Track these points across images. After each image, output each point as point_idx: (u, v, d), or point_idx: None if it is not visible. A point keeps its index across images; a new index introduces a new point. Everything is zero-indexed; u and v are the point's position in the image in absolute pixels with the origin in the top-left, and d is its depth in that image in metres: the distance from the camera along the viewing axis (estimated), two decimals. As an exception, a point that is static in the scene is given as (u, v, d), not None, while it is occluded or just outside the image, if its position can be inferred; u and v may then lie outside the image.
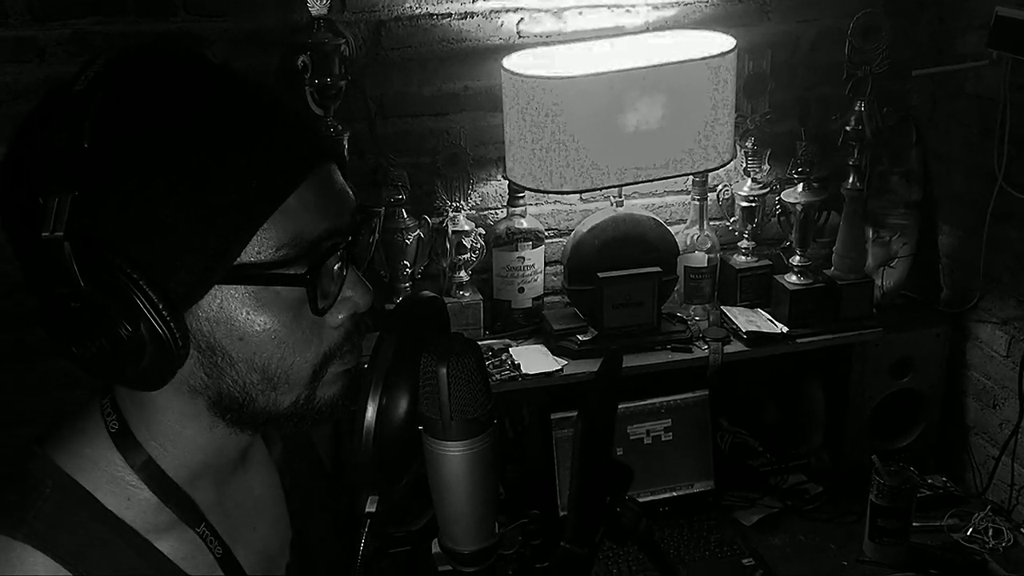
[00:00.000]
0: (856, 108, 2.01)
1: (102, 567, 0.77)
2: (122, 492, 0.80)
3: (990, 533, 2.03)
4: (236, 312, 0.75)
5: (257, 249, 0.74)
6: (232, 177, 0.72)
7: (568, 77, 1.76)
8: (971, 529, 2.04)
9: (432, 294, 0.84)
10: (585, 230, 2.03)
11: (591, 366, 1.97)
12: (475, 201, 2.06)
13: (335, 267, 0.78)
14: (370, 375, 0.76)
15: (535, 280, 2.06)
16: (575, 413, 2.05)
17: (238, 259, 0.73)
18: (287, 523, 0.97)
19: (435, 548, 1.96)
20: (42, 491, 0.78)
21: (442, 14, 1.93)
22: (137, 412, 0.81)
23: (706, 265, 2.12)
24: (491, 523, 0.80)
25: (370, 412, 0.76)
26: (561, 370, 1.96)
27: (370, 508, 0.77)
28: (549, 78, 1.77)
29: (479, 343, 1.38)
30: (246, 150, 0.73)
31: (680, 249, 2.10)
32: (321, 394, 0.81)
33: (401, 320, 0.79)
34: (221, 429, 0.82)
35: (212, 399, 0.79)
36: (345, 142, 1.82)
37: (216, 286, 0.74)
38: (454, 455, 0.75)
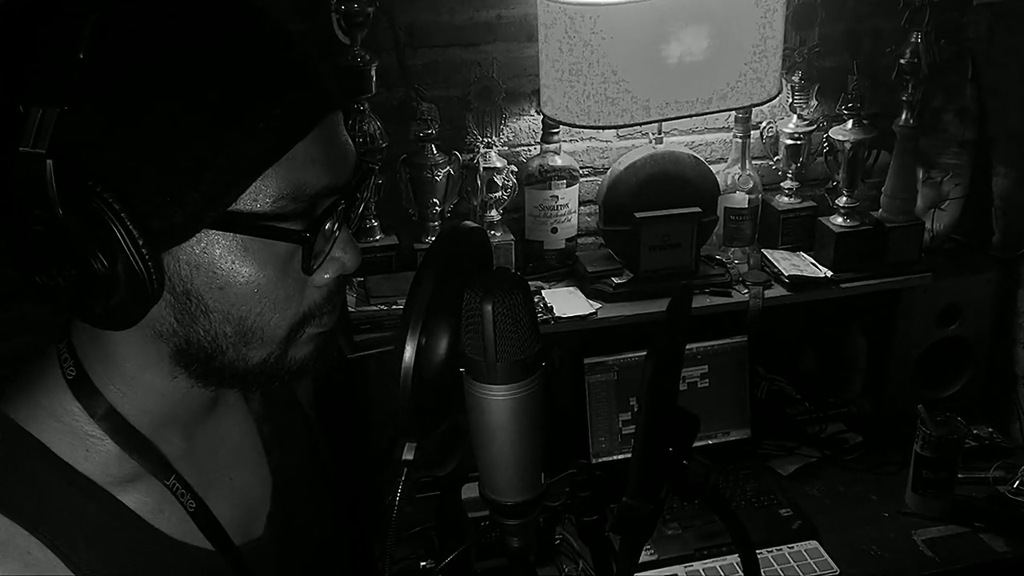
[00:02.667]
0: (912, 40, 1.90)
1: (60, 523, 0.72)
2: (80, 443, 0.75)
3: (1037, 486, 1.97)
4: (220, 260, 0.69)
5: (254, 197, 0.68)
6: (239, 115, 0.66)
7: (609, 4, 1.67)
8: (1018, 481, 1.97)
9: (474, 224, 0.77)
10: (622, 168, 1.95)
11: (626, 309, 1.90)
12: (507, 137, 1.98)
13: (328, 225, 0.72)
14: (408, 312, 0.70)
15: (569, 220, 1.99)
16: (608, 358, 2.00)
17: (233, 205, 0.67)
18: (267, 473, 0.91)
19: (464, 494, 1.92)
20: None
21: (475, -63, 1.83)
22: (96, 356, 0.76)
23: (747, 206, 2.03)
24: (537, 473, 0.74)
25: (408, 353, 0.70)
26: (595, 313, 1.89)
27: (407, 456, 0.72)
28: (588, 4, 1.67)
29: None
30: (257, 88, 0.67)
31: (720, 189, 2.01)
32: (293, 354, 0.76)
33: (442, 252, 0.72)
34: (183, 380, 0.76)
35: (178, 347, 0.73)
36: (372, 73, 1.74)
37: (204, 230, 0.68)
38: (499, 399, 0.70)
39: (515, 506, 0.74)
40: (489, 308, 0.66)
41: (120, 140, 0.64)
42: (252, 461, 0.90)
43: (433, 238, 1.86)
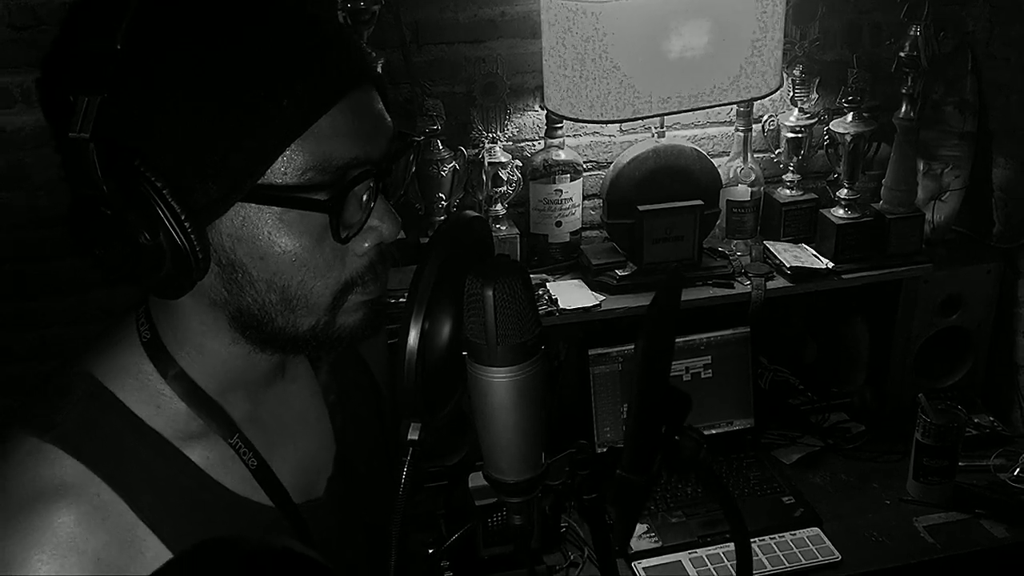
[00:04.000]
0: (911, 33, 1.93)
1: (129, 471, 0.77)
2: (152, 400, 0.80)
3: (1038, 474, 1.99)
4: (259, 231, 0.73)
5: (283, 170, 0.72)
6: (263, 93, 0.70)
7: (610, 0, 1.69)
8: (1018, 469, 2.00)
9: (475, 214, 0.80)
10: (625, 162, 1.98)
11: (630, 301, 1.93)
12: (512, 132, 2.00)
13: (363, 196, 0.76)
14: (412, 298, 0.73)
15: (573, 213, 2.02)
16: (612, 349, 2.03)
17: (263, 178, 0.71)
18: (331, 438, 0.96)
19: (471, 483, 1.95)
20: (72, 397, 0.79)
21: (478, -64, 1.86)
22: (168, 323, 0.81)
23: (749, 199, 2.05)
24: (537, 453, 0.77)
25: (412, 337, 0.72)
26: (599, 305, 1.92)
27: (412, 436, 0.74)
28: (591, 2, 1.70)
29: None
30: (281, 67, 0.71)
31: (723, 182, 2.04)
32: (341, 321, 0.80)
33: (444, 241, 0.75)
34: (243, 345, 0.81)
35: (232, 314, 0.78)
36: (379, 70, 1.77)
37: (240, 203, 0.72)
38: (500, 381, 0.72)
39: (517, 484, 0.77)
40: (490, 293, 0.69)
41: (157, 123, 0.69)
42: (316, 427, 0.94)
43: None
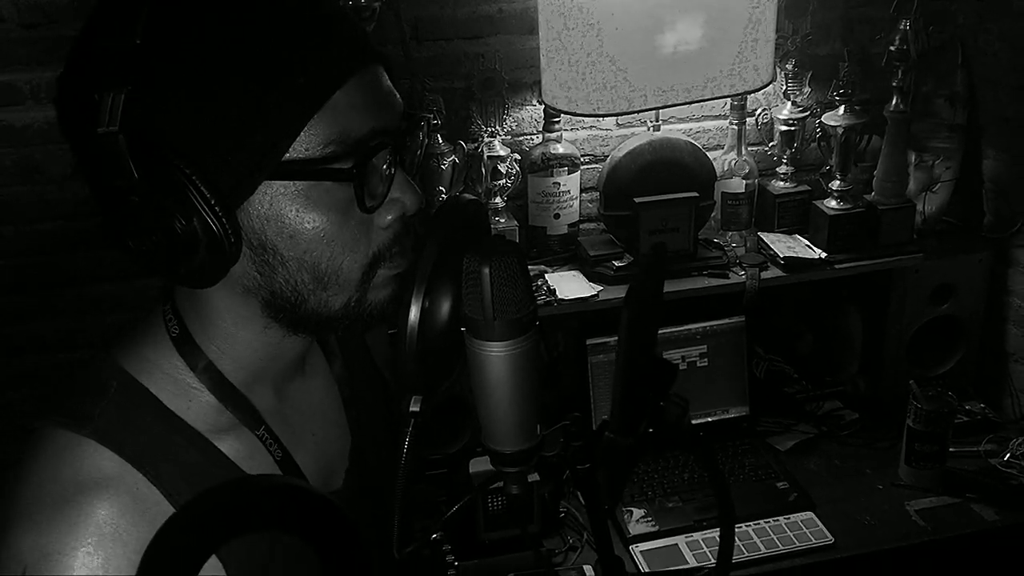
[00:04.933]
0: (901, 27, 1.96)
1: (164, 463, 0.80)
2: (183, 394, 0.83)
3: (1028, 459, 2.03)
4: (286, 209, 0.76)
5: (305, 146, 0.75)
6: (280, 73, 0.73)
7: (605, -4, 1.73)
8: (1008, 454, 2.04)
9: (472, 197, 0.84)
10: (621, 155, 2.02)
11: (628, 288, 1.96)
12: (510, 126, 2.04)
13: (383, 168, 0.79)
14: (413, 277, 0.76)
15: (571, 206, 2.06)
16: (610, 339, 2.06)
17: (286, 155, 0.74)
18: (346, 431, 1.00)
19: (471, 469, 1.98)
20: (107, 391, 0.81)
21: (477, -66, 1.90)
22: (196, 317, 0.84)
23: (744, 191, 2.09)
24: (533, 424, 0.81)
25: (413, 313, 0.76)
26: (597, 296, 1.96)
27: (414, 408, 0.78)
28: (586, -3, 1.73)
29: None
30: (293, 47, 0.74)
31: (718, 174, 2.08)
32: (372, 297, 0.83)
33: (443, 223, 0.79)
34: (275, 331, 0.84)
35: (265, 299, 0.81)
36: (380, 65, 1.80)
37: (266, 183, 0.75)
38: (497, 355, 0.76)
39: (513, 455, 0.80)
40: (487, 271, 0.72)
41: (181, 111, 0.72)
42: (333, 420, 0.98)
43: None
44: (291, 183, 0.76)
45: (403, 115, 0.82)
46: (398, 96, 0.82)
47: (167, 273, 0.77)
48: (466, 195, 0.85)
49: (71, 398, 0.82)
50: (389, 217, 0.81)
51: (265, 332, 0.84)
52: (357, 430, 1.00)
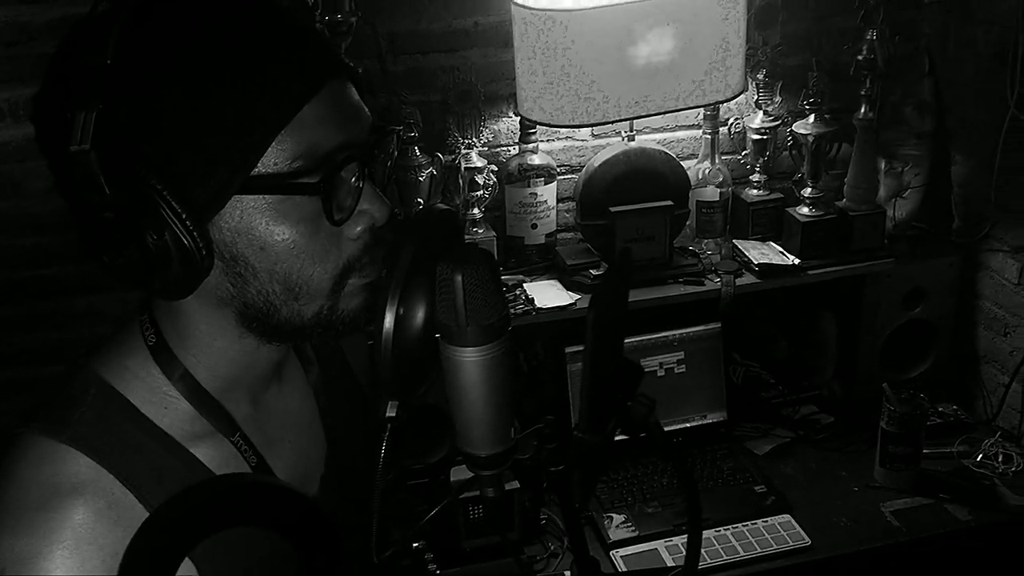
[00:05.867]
0: (867, 37, 2.01)
1: (140, 469, 0.82)
2: (160, 401, 0.85)
3: (1000, 459, 2.06)
4: (257, 222, 0.78)
5: (274, 160, 0.77)
6: (247, 90, 0.75)
7: (578, 9, 1.76)
8: (981, 455, 2.07)
9: (446, 207, 0.86)
10: (597, 165, 2.04)
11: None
12: (487, 138, 2.07)
13: (352, 180, 0.81)
14: (387, 285, 0.78)
15: (548, 216, 2.08)
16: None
17: (255, 169, 0.76)
18: (322, 438, 1.01)
19: (452, 477, 2.00)
20: (85, 399, 0.83)
21: (451, -51, 1.92)
22: (172, 326, 0.85)
23: (718, 199, 2.13)
24: (507, 428, 0.82)
25: (388, 320, 0.78)
26: (574, 304, 1.98)
27: (390, 413, 0.80)
28: (559, 11, 1.76)
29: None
30: (260, 65, 0.76)
31: (692, 183, 2.11)
32: (343, 306, 0.84)
33: (417, 232, 0.81)
34: (250, 340, 0.86)
35: (239, 310, 0.83)
36: (357, 79, 1.83)
37: (237, 197, 0.77)
38: (470, 360, 0.77)
39: (488, 458, 0.82)
40: (459, 278, 0.74)
41: (151, 128, 0.74)
42: (309, 427, 1.00)
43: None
44: (261, 197, 0.78)
45: (372, 128, 0.83)
46: (366, 109, 0.83)
47: (141, 286, 0.78)
48: (439, 205, 0.87)
49: (51, 405, 0.84)
50: (358, 228, 0.83)
51: (240, 341, 0.86)
52: (333, 437, 1.02)
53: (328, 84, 0.79)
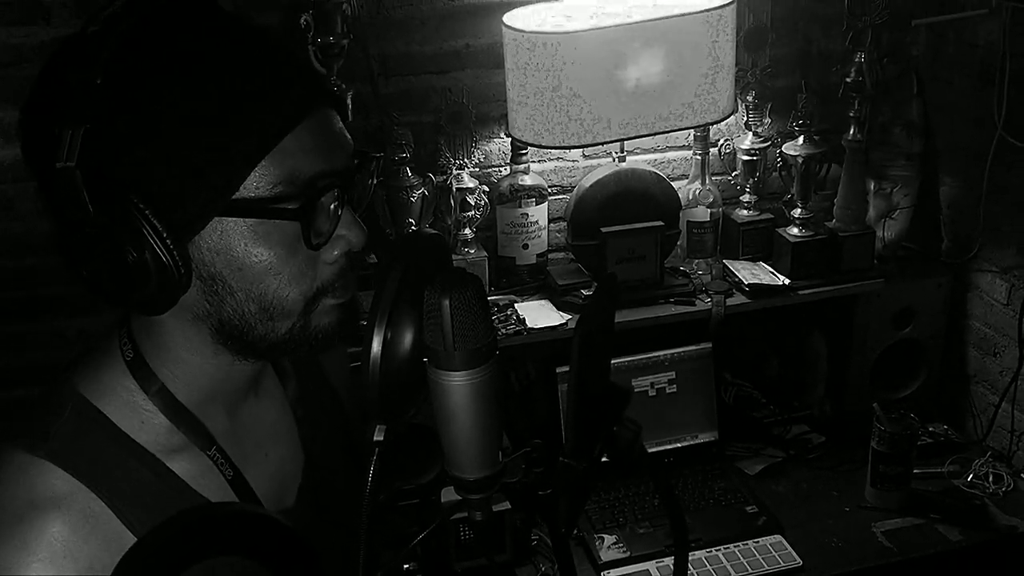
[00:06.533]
0: (856, 60, 2.03)
1: (116, 482, 0.82)
2: (136, 416, 0.86)
3: (990, 479, 2.07)
4: (236, 244, 0.79)
5: (256, 184, 0.78)
6: (233, 116, 0.76)
7: (569, 32, 1.78)
8: (971, 475, 2.08)
9: (434, 231, 0.87)
10: (588, 185, 2.05)
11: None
12: (479, 158, 2.08)
13: (331, 206, 0.82)
14: (375, 309, 0.79)
15: (539, 236, 2.09)
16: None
17: (237, 193, 0.77)
18: (299, 450, 1.02)
19: (443, 498, 2.00)
20: (62, 413, 0.84)
21: (443, -28, 1.94)
22: (150, 341, 0.86)
23: (708, 219, 2.14)
24: (495, 451, 0.83)
25: (376, 345, 0.78)
26: (566, 324, 1.98)
27: (378, 437, 0.80)
28: (550, 33, 1.78)
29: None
30: (246, 92, 0.77)
31: (682, 203, 2.12)
32: (316, 322, 0.86)
33: (405, 256, 0.82)
34: (225, 356, 0.87)
35: (214, 327, 0.84)
36: (348, 101, 1.83)
37: (217, 218, 0.78)
38: (458, 384, 0.78)
39: (476, 481, 0.82)
40: (447, 302, 0.75)
41: (138, 149, 0.75)
42: (286, 439, 1.00)
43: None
44: (242, 219, 0.79)
45: (353, 154, 0.84)
46: (348, 136, 0.85)
47: (120, 301, 0.80)
48: (428, 229, 0.88)
49: (29, 420, 0.85)
50: (335, 253, 0.84)
51: (215, 356, 0.86)
52: (311, 449, 1.02)
53: (311, 112, 0.80)
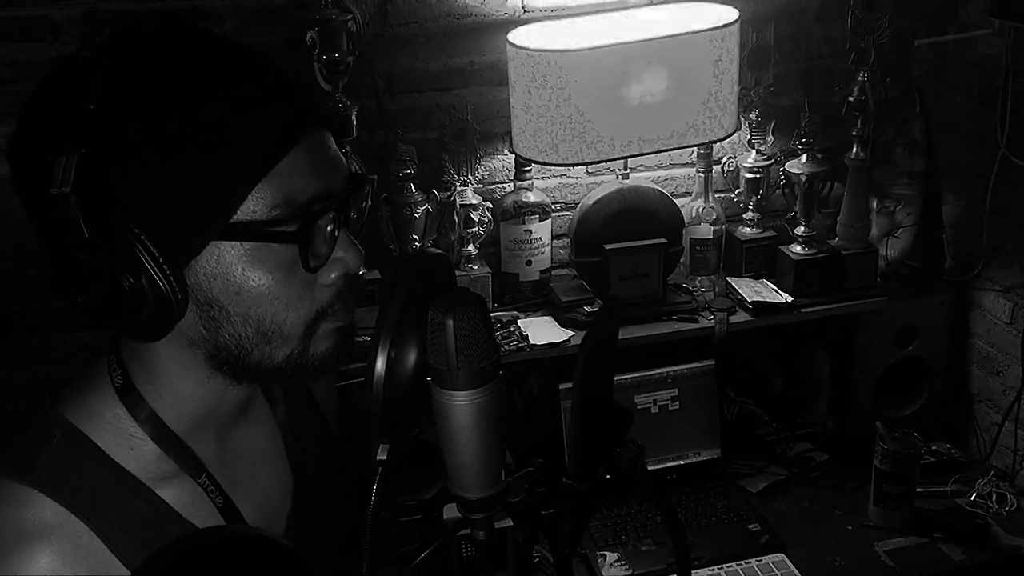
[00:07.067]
0: (859, 79, 2.03)
1: (106, 512, 0.81)
2: (125, 443, 0.84)
3: (993, 498, 2.06)
4: (233, 268, 0.79)
5: (252, 208, 0.77)
6: (228, 140, 0.76)
7: (573, 50, 1.78)
8: (975, 494, 2.07)
9: (438, 251, 0.87)
10: (591, 203, 2.06)
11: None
12: (482, 175, 2.08)
13: (328, 229, 0.82)
14: (379, 328, 0.79)
15: (542, 253, 2.09)
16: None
17: (234, 217, 0.77)
18: (289, 476, 1.01)
19: (446, 515, 2.00)
20: (49, 441, 0.82)
21: (448, -10, 1.95)
22: (140, 367, 0.85)
23: (711, 236, 2.14)
24: (498, 471, 0.83)
25: (380, 364, 0.78)
26: (568, 341, 1.98)
27: (381, 456, 0.80)
28: (554, 51, 1.79)
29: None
30: (242, 115, 0.77)
31: (685, 221, 2.12)
32: (314, 349, 0.85)
33: (409, 275, 0.82)
34: (219, 381, 0.86)
35: (210, 352, 0.83)
36: (353, 118, 1.84)
37: (214, 242, 0.78)
38: (461, 404, 0.78)
39: (479, 501, 0.83)
40: (451, 322, 0.75)
41: (132, 174, 0.75)
42: (276, 465, 1.00)
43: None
44: (238, 243, 0.78)
45: (348, 177, 0.84)
46: (343, 158, 0.85)
47: (114, 327, 0.79)
48: (432, 248, 0.88)
49: (14, 447, 0.83)
50: (332, 275, 0.83)
51: (208, 382, 0.86)
52: (300, 475, 1.02)
53: (307, 134, 0.80)
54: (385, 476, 0.83)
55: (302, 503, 1.01)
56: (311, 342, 0.84)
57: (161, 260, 0.75)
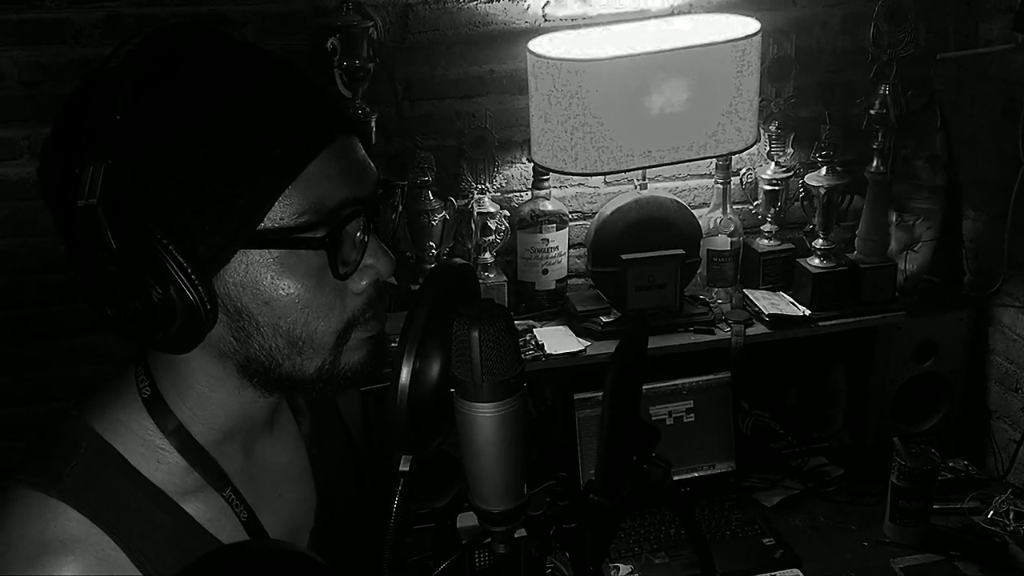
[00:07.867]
0: (880, 92, 2.02)
1: (131, 525, 0.81)
2: (152, 455, 0.84)
3: (1011, 516, 2.04)
4: (262, 277, 0.78)
5: (280, 215, 0.77)
6: (255, 146, 0.76)
7: (593, 60, 1.78)
8: (992, 512, 2.05)
9: (463, 261, 0.87)
10: (609, 212, 2.05)
11: (614, 347, 1.98)
12: (500, 183, 2.08)
13: (357, 235, 0.81)
14: (404, 339, 0.78)
15: (559, 262, 2.09)
16: (598, 394, 2.08)
17: (261, 224, 0.76)
18: (313, 491, 1.00)
19: (459, 523, 1.99)
20: (76, 452, 0.82)
21: (469, -2, 1.95)
22: (169, 378, 0.85)
23: (729, 248, 2.13)
24: (520, 484, 0.82)
25: (404, 375, 0.78)
26: (584, 351, 1.98)
27: (403, 467, 0.80)
28: (575, 60, 1.78)
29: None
30: (268, 121, 0.77)
31: (703, 232, 2.11)
32: (346, 360, 0.84)
33: (434, 286, 0.81)
34: (249, 392, 0.85)
35: (240, 363, 0.82)
36: (372, 124, 1.84)
37: (242, 251, 0.77)
38: (485, 416, 0.78)
39: (501, 514, 0.82)
40: (476, 334, 0.75)
41: (159, 183, 0.74)
42: (300, 480, 0.99)
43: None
44: (267, 251, 0.77)
45: (377, 182, 0.84)
46: (372, 164, 0.84)
47: (145, 340, 0.78)
48: (457, 259, 0.88)
49: (40, 458, 0.83)
50: (363, 283, 0.83)
51: (238, 393, 0.85)
52: (324, 489, 1.01)
53: (334, 141, 0.80)
54: (406, 488, 0.82)
55: (325, 520, 1.00)
56: (342, 352, 0.83)
57: (189, 270, 0.74)
